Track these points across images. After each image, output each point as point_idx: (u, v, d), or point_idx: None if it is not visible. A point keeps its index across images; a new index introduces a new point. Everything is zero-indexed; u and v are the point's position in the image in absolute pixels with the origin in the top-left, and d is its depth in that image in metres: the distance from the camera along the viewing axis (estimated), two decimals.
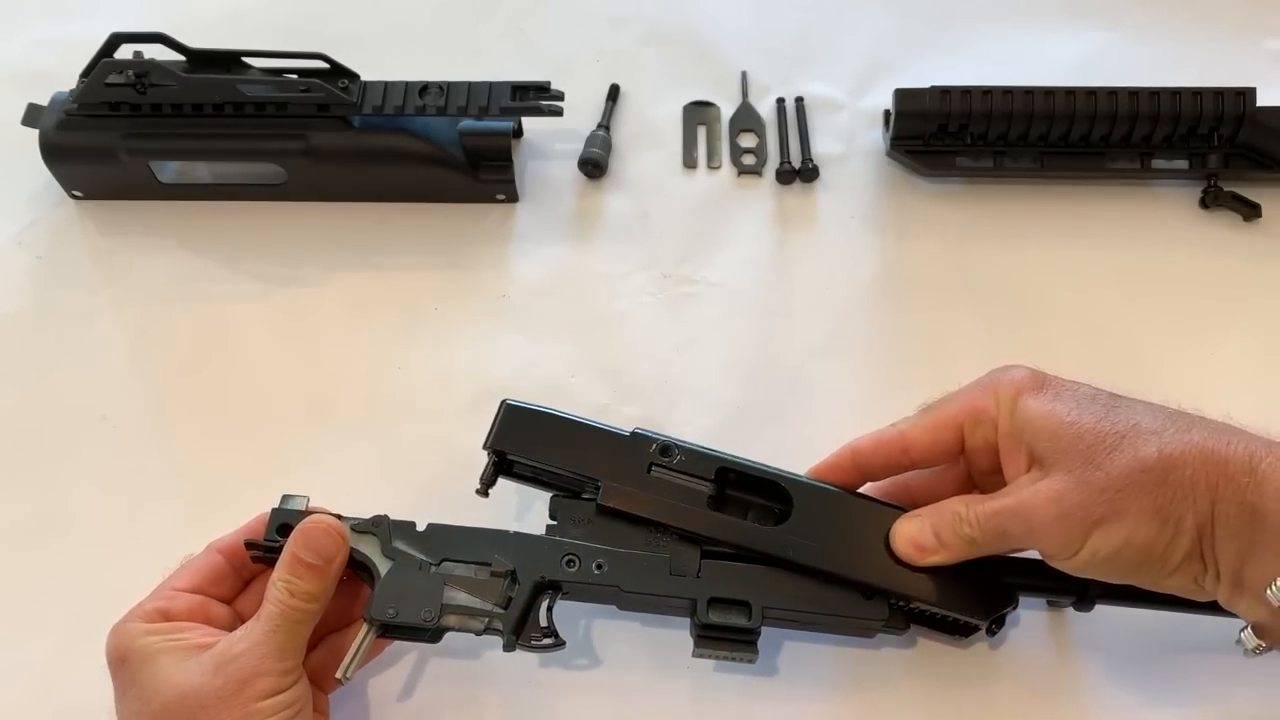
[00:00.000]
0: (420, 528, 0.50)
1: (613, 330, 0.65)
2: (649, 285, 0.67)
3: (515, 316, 0.66)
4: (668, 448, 0.51)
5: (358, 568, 0.50)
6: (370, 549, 0.50)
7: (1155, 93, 0.66)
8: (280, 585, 0.47)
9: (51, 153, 0.67)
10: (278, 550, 0.49)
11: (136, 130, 0.65)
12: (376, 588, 0.49)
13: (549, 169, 0.71)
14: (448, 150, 0.66)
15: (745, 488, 0.52)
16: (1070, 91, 0.66)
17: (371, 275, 0.68)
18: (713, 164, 0.72)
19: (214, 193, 0.70)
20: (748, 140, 0.73)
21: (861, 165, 0.71)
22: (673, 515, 0.50)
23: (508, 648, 0.48)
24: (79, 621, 0.56)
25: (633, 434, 0.51)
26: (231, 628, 0.49)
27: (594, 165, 0.70)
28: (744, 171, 0.71)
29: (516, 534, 0.50)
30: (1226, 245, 0.67)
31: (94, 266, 0.69)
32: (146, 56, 0.66)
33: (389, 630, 0.49)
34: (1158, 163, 0.68)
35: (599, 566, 0.49)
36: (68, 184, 0.69)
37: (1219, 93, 0.66)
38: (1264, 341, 0.64)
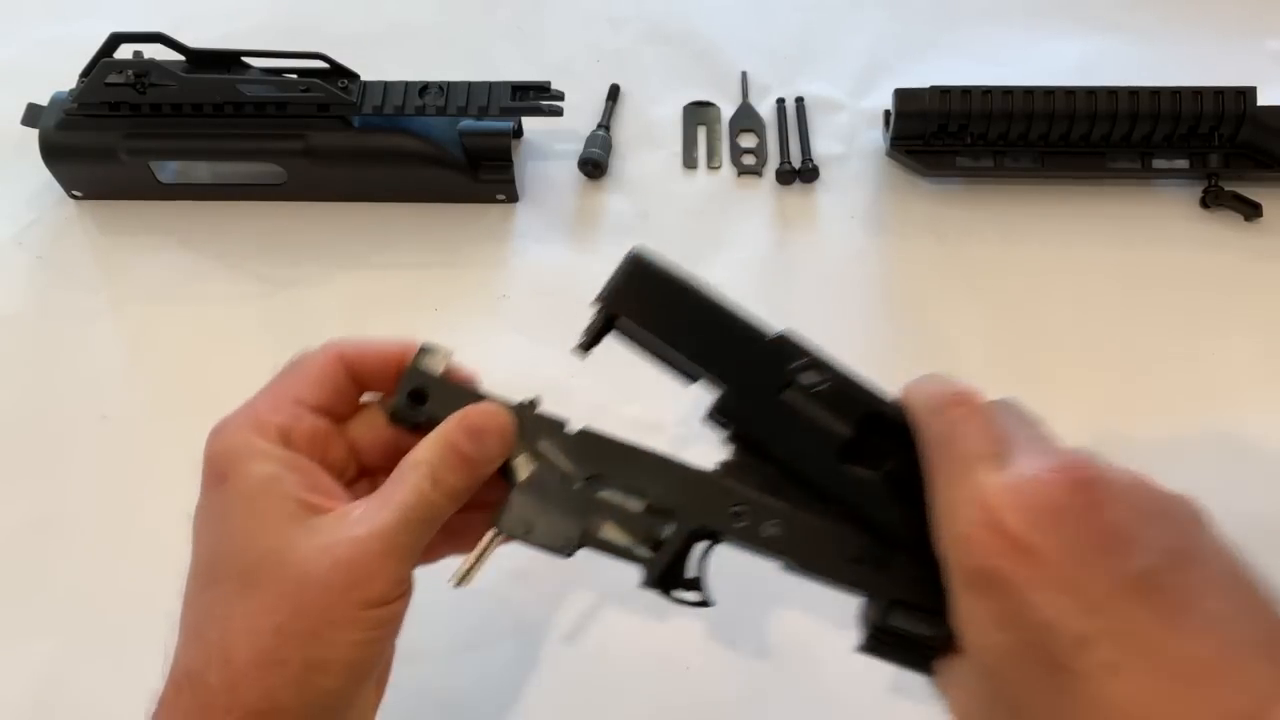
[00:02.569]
0: (571, 428, 0.43)
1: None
2: None
3: (515, 316, 0.66)
4: (812, 368, 0.41)
5: None
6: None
7: (1155, 92, 0.66)
8: (424, 469, 0.39)
9: (51, 152, 0.67)
10: (424, 426, 0.41)
11: (136, 130, 0.65)
12: (512, 494, 0.41)
13: (549, 169, 0.71)
14: (448, 150, 0.66)
15: (889, 435, 0.41)
16: (1070, 91, 0.66)
17: (371, 275, 0.67)
18: (713, 164, 0.72)
19: (214, 193, 0.70)
20: (748, 140, 0.72)
21: (862, 165, 0.71)
22: (793, 455, 0.41)
23: (650, 584, 0.41)
24: (78, 621, 0.56)
25: (778, 336, 0.42)
26: (345, 478, 0.42)
27: (594, 165, 0.70)
28: (744, 172, 0.71)
29: (681, 465, 0.42)
30: (1227, 245, 0.67)
31: (94, 266, 0.68)
32: (146, 56, 0.66)
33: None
34: (1158, 162, 0.68)
35: (770, 529, 0.40)
36: (67, 184, 0.69)
37: (1219, 92, 0.66)
38: (1265, 341, 0.64)
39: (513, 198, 0.69)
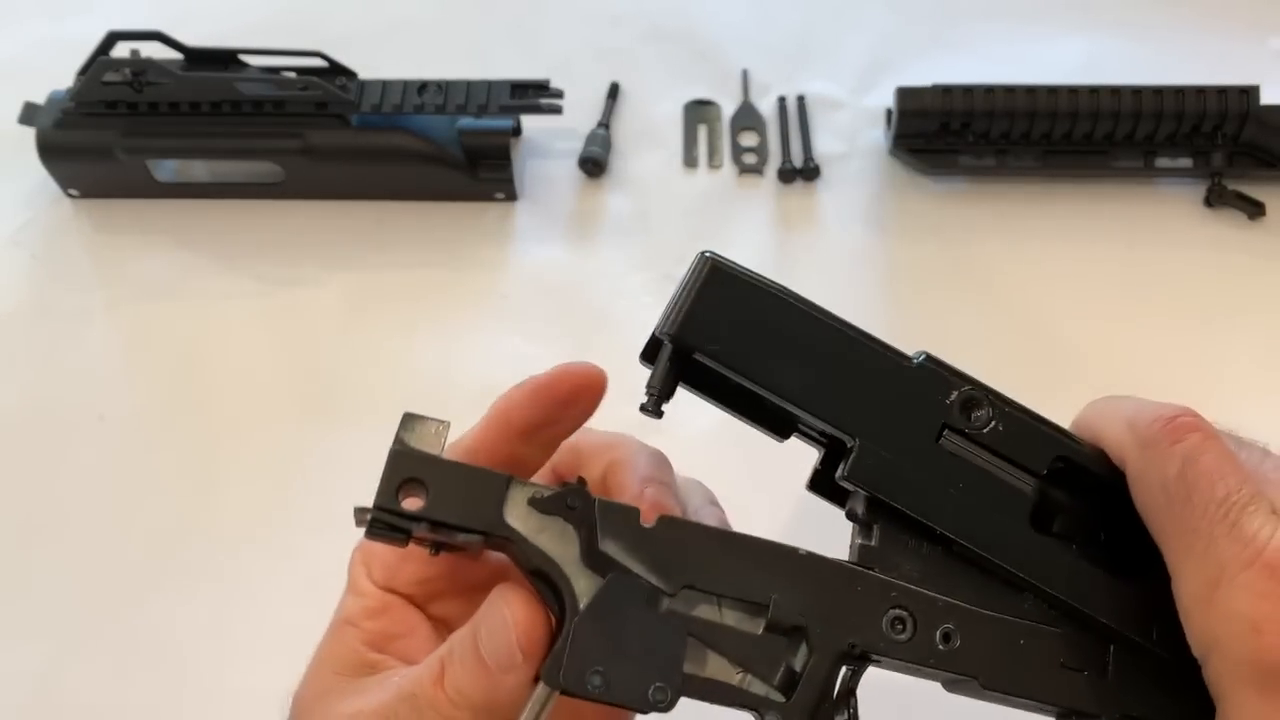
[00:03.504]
0: (646, 520, 0.30)
1: (613, 330, 0.65)
2: (649, 285, 0.66)
3: (515, 316, 0.66)
4: (977, 401, 0.30)
5: (535, 575, 0.30)
6: (559, 546, 0.29)
7: (1158, 91, 0.65)
8: (433, 660, 0.31)
9: (48, 151, 0.66)
10: (405, 528, 0.30)
11: (133, 129, 0.65)
12: (568, 629, 0.28)
13: (548, 168, 0.71)
14: (446, 149, 0.66)
15: (1078, 485, 0.32)
16: (1073, 90, 0.65)
17: (370, 274, 0.67)
18: (714, 163, 0.71)
19: (211, 191, 0.69)
20: (749, 139, 0.72)
21: (863, 164, 0.71)
22: (967, 527, 0.30)
23: None
24: (76, 622, 0.56)
25: (922, 364, 0.31)
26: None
27: (594, 164, 0.70)
28: (745, 170, 0.71)
29: (808, 554, 0.30)
30: (1231, 244, 0.67)
31: (91, 265, 0.68)
32: (144, 55, 0.65)
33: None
34: (1161, 161, 0.67)
35: (946, 638, 0.29)
36: (64, 182, 0.69)
37: (1222, 91, 0.65)
38: (1268, 340, 0.64)
39: (512, 196, 0.69)
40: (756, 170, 0.71)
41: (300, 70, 0.67)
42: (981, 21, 0.77)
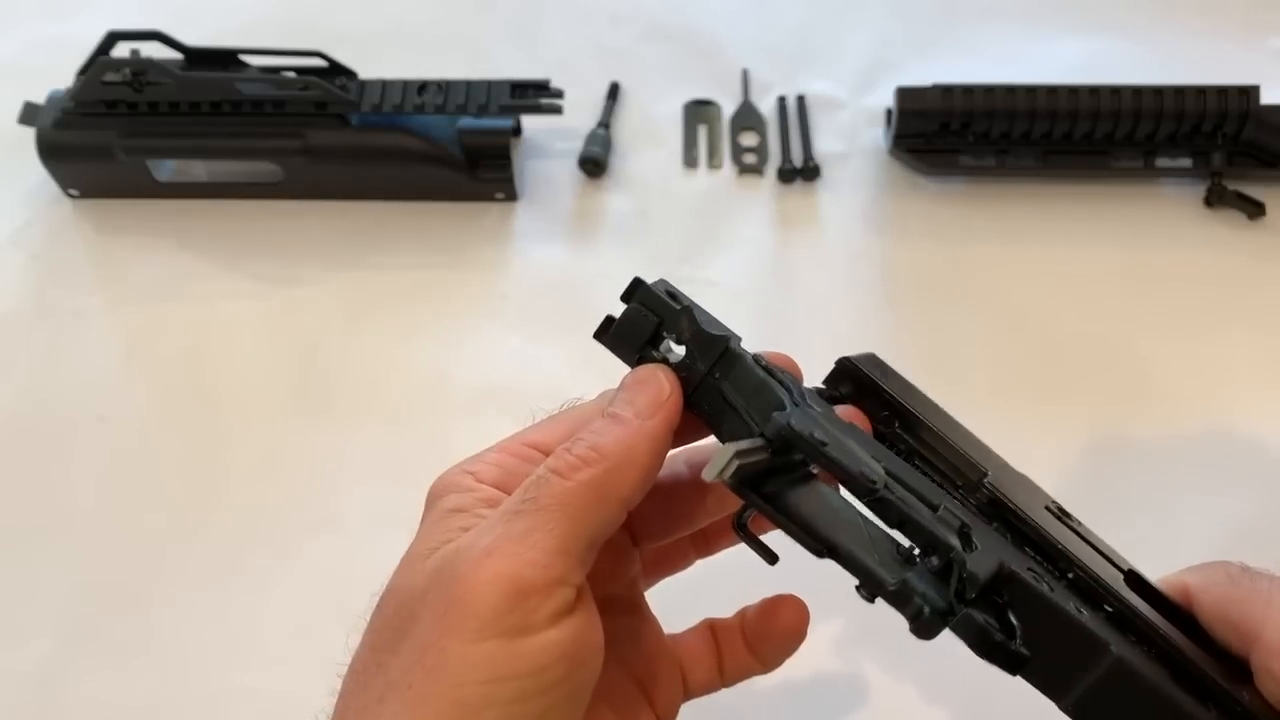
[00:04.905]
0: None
1: None
2: None
3: (515, 316, 0.66)
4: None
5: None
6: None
7: (1158, 91, 0.65)
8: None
9: (48, 151, 0.66)
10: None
11: (133, 129, 0.65)
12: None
13: (548, 167, 0.71)
14: (446, 149, 0.66)
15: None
16: (1073, 89, 0.65)
17: (370, 274, 0.67)
18: (714, 163, 0.71)
19: (211, 191, 0.69)
20: (749, 139, 0.72)
21: (863, 164, 0.71)
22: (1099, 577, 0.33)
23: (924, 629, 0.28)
24: (75, 622, 0.56)
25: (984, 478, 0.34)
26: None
27: (594, 164, 0.70)
28: (745, 170, 0.71)
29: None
30: (1231, 244, 0.67)
31: (90, 265, 0.68)
32: (143, 54, 0.65)
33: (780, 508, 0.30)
34: (1161, 161, 0.68)
35: (1083, 608, 0.31)
36: (64, 182, 0.69)
37: (1222, 91, 0.65)
38: (1268, 340, 0.64)
39: (512, 196, 0.69)
40: (756, 170, 0.71)
41: (300, 70, 0.67)
42: (981, 21, 0.77)
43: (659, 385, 0.32)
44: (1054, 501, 0.36)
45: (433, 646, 0.26)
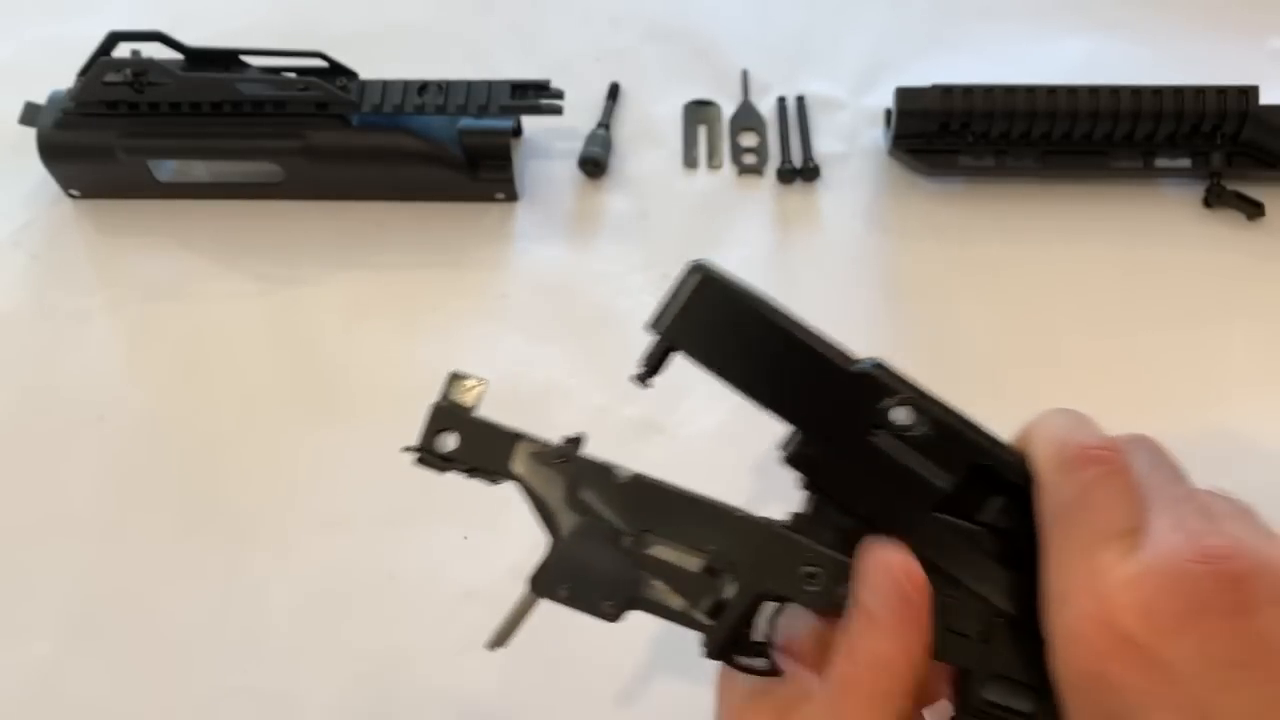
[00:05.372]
0: (620, 475, 0.38)
1: (613, 330, 0.65)
2: (649, 285, 0.67)
3: (515, 316, 0.66)
4: (909, 406, 0.35)
5: (535, 503, 0.39)
6: (551, 490, 0.38)
7: (1157, 91, 0.65)
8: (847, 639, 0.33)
9: (48, 151, 0.66)
10: (438, 465, 0.39)
11: (134, 129, 0.65)
12: (550, 551, 0.37)
13: (549, 168, 0.71)
14: (447, 149, 0.66)
15: (1001, 488, 0.36)
16: (1072, 90, 0.66)
17: (370, 274, 0.67)
18: (713, 163, 0.71)
19: (212, 191, 0.70)
20: (749, 139, 0.72)
21: (863, 164, 0.71)
22: (877, 509, 0.35)
23: (713, 655, 0.37)
24: (75, 622, 0.56)
25: (867, 371, 0.36)
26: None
27: (594, 164, 0.70)
28: (745, 171, 0.71)
29: (745, 516, 0.37)
30: (1230, 244, 0.67)
31: (91, 265, 0.68)
32: (144, 55, 0.65)
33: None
34: (1160, 162, 0.68)
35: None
36: (65, 182, 0.69)
37: (1221, 91, 0.65)
38: (1267, 340, 0.64)
39: (512, 197, 0.69)
40: (756, 170, 0.71)
41: (300, 70, 0.67)
42: (981, 21, 0.77)
43: (903, 589, 0.33)
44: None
45: None
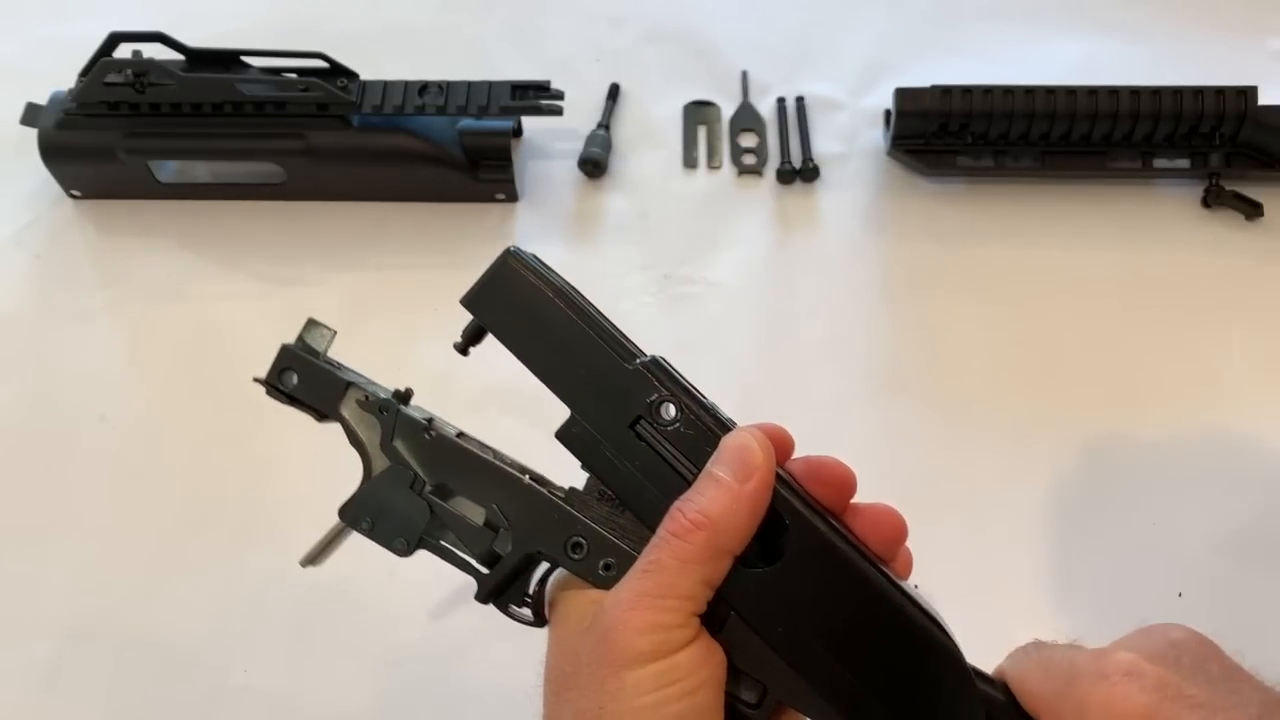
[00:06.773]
0: (434, 432, 0.42)
1: None
2: (649, 285, 0.67)
3: None
4: (670, 403, 0.38)
5: (355, 444, 0.43)
6: (368, 434, 0.42)
7: (1156, 91, 0.65)
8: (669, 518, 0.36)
9: (50, 152, 0.66)
10: (280, 398, 0.43)
11: (135, 129, 0.65)
12: (360, 488, 0.42)
13: (549, 168, 0.71)
14: (447, 149, 0.66)
15: None
16: (1071, 90, 0.66)
17: (371, 275, 0.67)
18: (713, 164, 0.72)
19: (213, 192, 0.70)
20: (748, 140, 0.72)
21: (862, 165, 0.71)
22: (633, 498, 0.38)
23: (480, 599, 0.41)
24: (76, 622, 0.56)
25: (648, 364, 0.38)
26: None
27: (594, 165, 0.70)
28: (744, 171, 0.71)
29: (530, 485, 0.40)
30: (1228, 244, 0.67)
31: (92, 266, 0.68)
32: (145, 56, 0.66)
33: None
34: (1159, 162, 0.68)
35: (606, 568, 0.38)
36: (66, 183, 0.69)
37: (1220, 91, 0.65)
38: (1266, 340, 0.64)
39: (512, 197, 0.69)
40: (756, 171, 0.71)
41: (301, 71, 0.67)
42: (981, 22, 0.77)
43: (753, 452, 0.36)
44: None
45: (609, 678, 0.34)
